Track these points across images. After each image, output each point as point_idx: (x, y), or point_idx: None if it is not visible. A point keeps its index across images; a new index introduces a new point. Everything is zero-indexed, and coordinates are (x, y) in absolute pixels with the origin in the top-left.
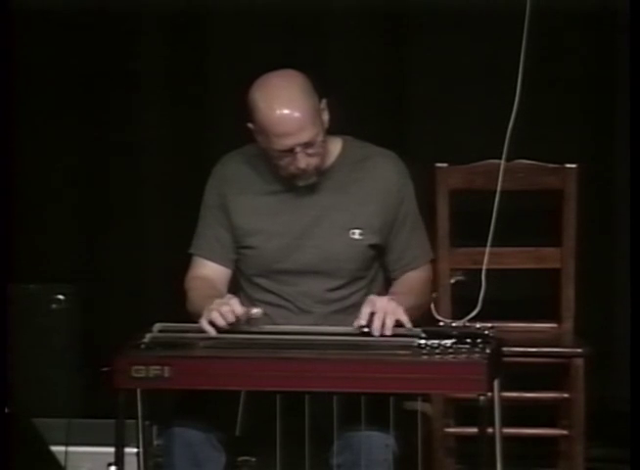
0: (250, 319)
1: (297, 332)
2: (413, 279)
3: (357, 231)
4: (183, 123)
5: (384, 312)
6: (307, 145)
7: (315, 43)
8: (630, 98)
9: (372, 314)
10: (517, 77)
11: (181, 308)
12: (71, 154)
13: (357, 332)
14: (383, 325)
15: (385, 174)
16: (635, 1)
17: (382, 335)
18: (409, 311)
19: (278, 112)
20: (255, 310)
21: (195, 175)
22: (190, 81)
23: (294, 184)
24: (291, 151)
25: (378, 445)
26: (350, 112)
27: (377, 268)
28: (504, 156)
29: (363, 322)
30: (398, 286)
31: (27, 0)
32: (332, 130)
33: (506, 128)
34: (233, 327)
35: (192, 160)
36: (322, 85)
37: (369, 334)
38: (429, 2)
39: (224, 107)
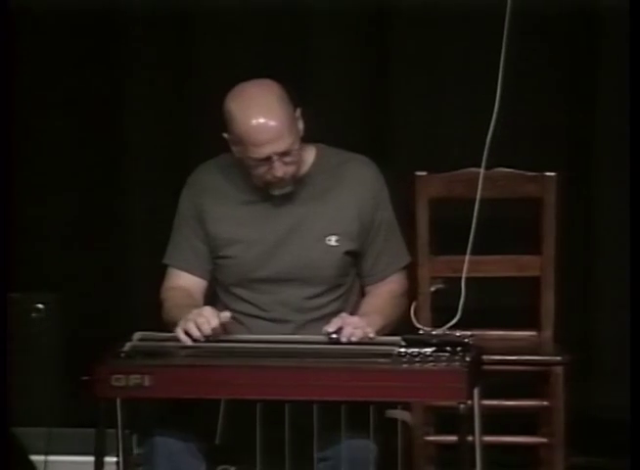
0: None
1: (277, 340)
2: (383, 295)
3: (334, 237)
4: (165, 134)
5: (353, 326)
6: (284, 154)
7: (295, 50)
8: (630, 99)
9: (341, 328)
10: (496, 85)
11: (162, 317)
12: (54, 161)
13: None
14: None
15: (359, 179)
16: (635, 1)
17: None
18: (377, 332)
19: (255, 121)
20: (224, 314)
21: (176, 185)
22: (171, 88)
23: (269, 193)
24: (267, 159)
25: (359, 453)
26: (330, 119)
27: (354, 276)
28: (483, 164)
29: (331, 330)
30: (367, 305)
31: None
32: (312, 138)
33: (486, 136)
34: (209, 338)
35: (173, 170)
36: (302, 92)
37: (337, 340)
38: (409, 9)
39: (204, 115)
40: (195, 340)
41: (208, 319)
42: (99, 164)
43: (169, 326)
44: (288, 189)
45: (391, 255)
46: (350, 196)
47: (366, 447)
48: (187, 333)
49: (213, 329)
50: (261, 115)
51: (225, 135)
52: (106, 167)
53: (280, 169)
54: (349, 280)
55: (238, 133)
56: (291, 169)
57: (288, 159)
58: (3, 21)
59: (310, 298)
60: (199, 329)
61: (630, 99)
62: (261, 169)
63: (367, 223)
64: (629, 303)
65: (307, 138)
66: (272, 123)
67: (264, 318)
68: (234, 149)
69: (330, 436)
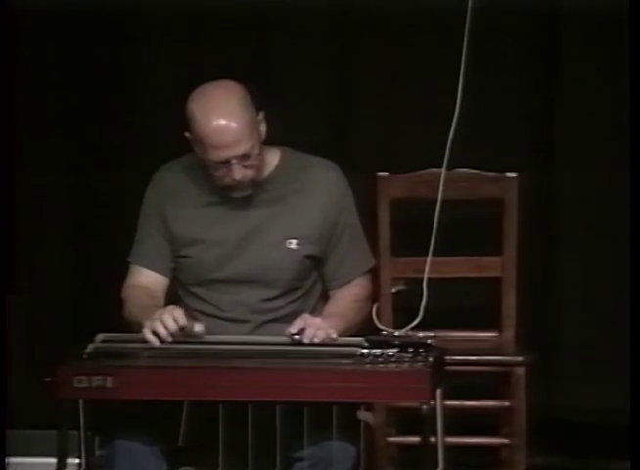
0: (191, 335)
1: (240, 341)
2: (346, 298)
3: (294, 241)
4: (123, 132)
5: (316, 328)
6: (243, 157)
7: (257, 52)
8: (630, 101)
9: (303, 329)
10: (457, 86)
11: (124, 319)
12: (20, 162)
13: (296, 341)
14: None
15: (323, 184)
16: (635, 1)
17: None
18: (339, 335)
19: (215, 123)
20: (198, 328)
21: (135, 185)
22: (127, 92)
23: (230, 195)
24: (226, 162)
25: (340, 454)
26: (292, 121)
27: (314, 279)
28: (445, 165)
29: (293, 331)
30: (330, 308)
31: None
32: (272, 140)
33: (447, 137)
34: (176, 338)
35: (132, 171)
36: (263, 94)
37: (300, 341)
38: (370, 9)
39: (162, 115)
40: (162, 339)
41: (174, 316)
42: (64, 165)
43: (130, 324)
44: (247, 192)
45: (355, 259)
46: (313, 200)
47: (347, 449)
48: (154, 333)
49: (178, 322)
50: (222, 117)
51: (187, 134)
52: (69, 168)
53: (239, 173)
54: (309, 283)
55: (198, 134)
56: (250, 173)
57: (247, 162)
58: (3, 21)
59: (268, 299)
60: (165, 327)
61: (630, 100)
62: (221, 172)
63: (330, 227)
64: (630, 304)
65: (272, 141)
66: (232, 126)
67: (222, 318)
68: (195, 149)
69: (308, 436)
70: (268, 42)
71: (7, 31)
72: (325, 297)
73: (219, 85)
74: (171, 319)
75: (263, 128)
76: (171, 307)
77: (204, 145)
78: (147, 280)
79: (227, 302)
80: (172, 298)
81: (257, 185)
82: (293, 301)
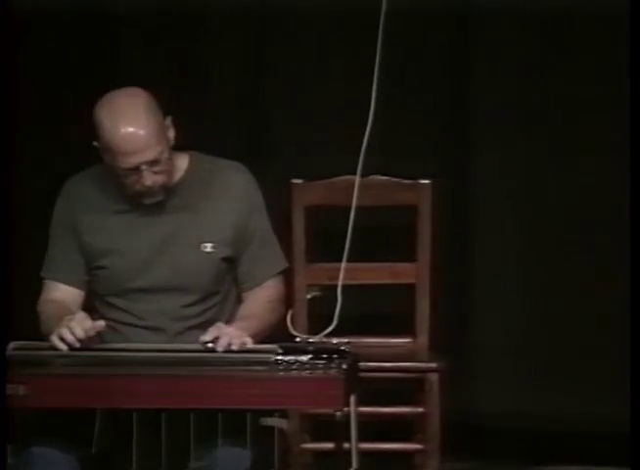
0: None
1: (153, 349)
2: (259, 300)
3: (209, 244)
4: (43, 139)
5: (230, 336)
6: (153, 163)
7: (175, 58)
8: (630, 103)
9: (217, 338)
10: (371, 93)
11: (38, 327)
12: None
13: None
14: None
15: (233, 186)
16: (635, 1)
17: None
18: (253, 337)
19: (123, 130)
20: (98, 323)
21: (52, 195)
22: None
23: (141, 202)
24: (136, 169)
25: (232, 461)
26: (206, 127)
27: (230, 283)
28: (359, 172)
29: (208, 338)
30: (243, 310)
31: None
32: (186, 146)
33: (361, 144)
34: (85, 344)
35: (52, 181)
36: (178, 100)
37: (213, 349)
38: (284, 11)
39: (71, 122)
40: (70, 345)
41: (80, 322)
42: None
43: (47, 338)
44: (158, 198)
45: (267, 260)
46: (224, 202)
47: (239, 456)
48: (62, 339)
49: (86, 331)
50: (129, 124)
51: (95, 144)
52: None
53: (149, 179)
54: (225, 288)
55: (106, 142)
56: (160, 179)
57: (157, 168)
58: (3, 21)
59: (186, 306)
60: (72, 333)
61: (630, 101)
62: (131, 179)
63: (242, 229)
64: (629, 307)
65: (180, 146)
66: (140, 133)
67: (141, 326)
68: (104, 157)
69: (206, 444)
70: (186, 45)
71: (7, 31)
72: (239, 303)
73: (125, 92)
74: (78, 325)
75: (171, 133)
76: (78, 313)
77: (112, 153)
78: (62, 294)
79: (146, 310)
80: (88, 309)
81: (168, 191)
82: (210, 308)
